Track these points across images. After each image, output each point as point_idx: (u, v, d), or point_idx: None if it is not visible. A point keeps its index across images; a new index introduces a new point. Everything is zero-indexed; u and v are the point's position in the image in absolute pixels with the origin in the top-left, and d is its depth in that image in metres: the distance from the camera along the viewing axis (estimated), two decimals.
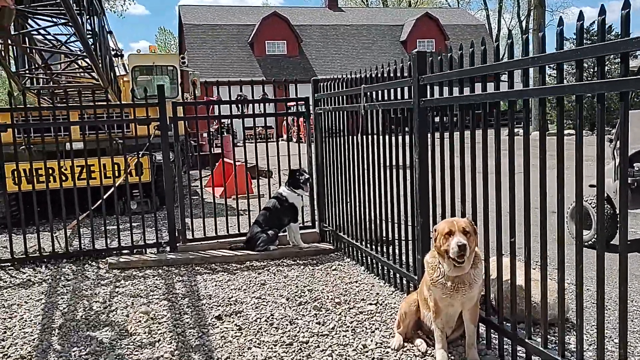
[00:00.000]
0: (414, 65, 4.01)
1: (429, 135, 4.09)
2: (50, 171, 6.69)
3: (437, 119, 4.00)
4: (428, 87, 3.97)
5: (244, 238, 6.16)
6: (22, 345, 3.83)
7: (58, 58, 9.10)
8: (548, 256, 3.06)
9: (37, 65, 8.10)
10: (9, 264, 5.88)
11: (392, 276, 4.81)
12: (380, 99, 4.75)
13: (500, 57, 3.28)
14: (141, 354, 3.64)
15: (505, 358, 3.35)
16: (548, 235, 3.00)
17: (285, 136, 22.56)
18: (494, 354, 3.44)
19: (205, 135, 15.37)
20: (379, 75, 4.70)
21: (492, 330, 3.51)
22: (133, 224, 6.40)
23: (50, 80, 8.86)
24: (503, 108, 3.52)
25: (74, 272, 5.63)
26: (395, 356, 3.44)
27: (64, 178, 6.54)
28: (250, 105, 6.37)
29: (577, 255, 2.75)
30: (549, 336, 3.15)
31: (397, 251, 4.72)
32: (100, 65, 7.61)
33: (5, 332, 4.09)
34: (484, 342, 3.55)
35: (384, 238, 4.96)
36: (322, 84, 6.15)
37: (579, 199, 2.68)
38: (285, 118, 25.01)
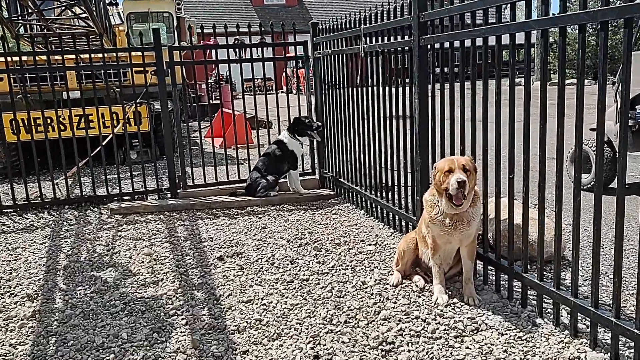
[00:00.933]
0: (415, 2, 3.92)
1: (429, 75, 4.04)
2: (49, 121, 6.66)
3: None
4: (429, 25, 3.90)
5: (244, 185, 6.18)
6: (27, 285, 3.91)
7: (51, 4, 8.89)
8: (546, 199, 3.07)
9: (30, 11, 7.91)
10: (12, 209, 5.93)
11: (391, 218, 4.86)
12: (380, 41, 4.66)
13: None
14: (145, 292, 3.71)
15: (501, 292, 3.42)
16: (547, 172, 3.01)
17: (285, 88, 22.33)
18: (491, 289, 3.51)
19: (204, 86, 15.19)
20: (379, 14, 4.60)
21: (489, 267, 3.57)
22: (133, 172, 6.41)
23: (45, 28, 8.68)
24: (505, 59, 3.49)
25: (76, 217, 5.69)
26: (393, 292, 3.51)
27: (62, 128, 6.51)
28: (248, 50, 6.27)
29: (575, 189, 2.76)
30: (545, 272, 3.19)
31: (396, 194, 4.75)
32: (94, 11, 7.44)
33: (11, 273, 4.16)
34: (481, 278, 3.61)
35: (384, 183, 4.98)
36: (320, 27, 6.03)
37: (579, 128, 2.67)
38: (284, 69, 24.67)
